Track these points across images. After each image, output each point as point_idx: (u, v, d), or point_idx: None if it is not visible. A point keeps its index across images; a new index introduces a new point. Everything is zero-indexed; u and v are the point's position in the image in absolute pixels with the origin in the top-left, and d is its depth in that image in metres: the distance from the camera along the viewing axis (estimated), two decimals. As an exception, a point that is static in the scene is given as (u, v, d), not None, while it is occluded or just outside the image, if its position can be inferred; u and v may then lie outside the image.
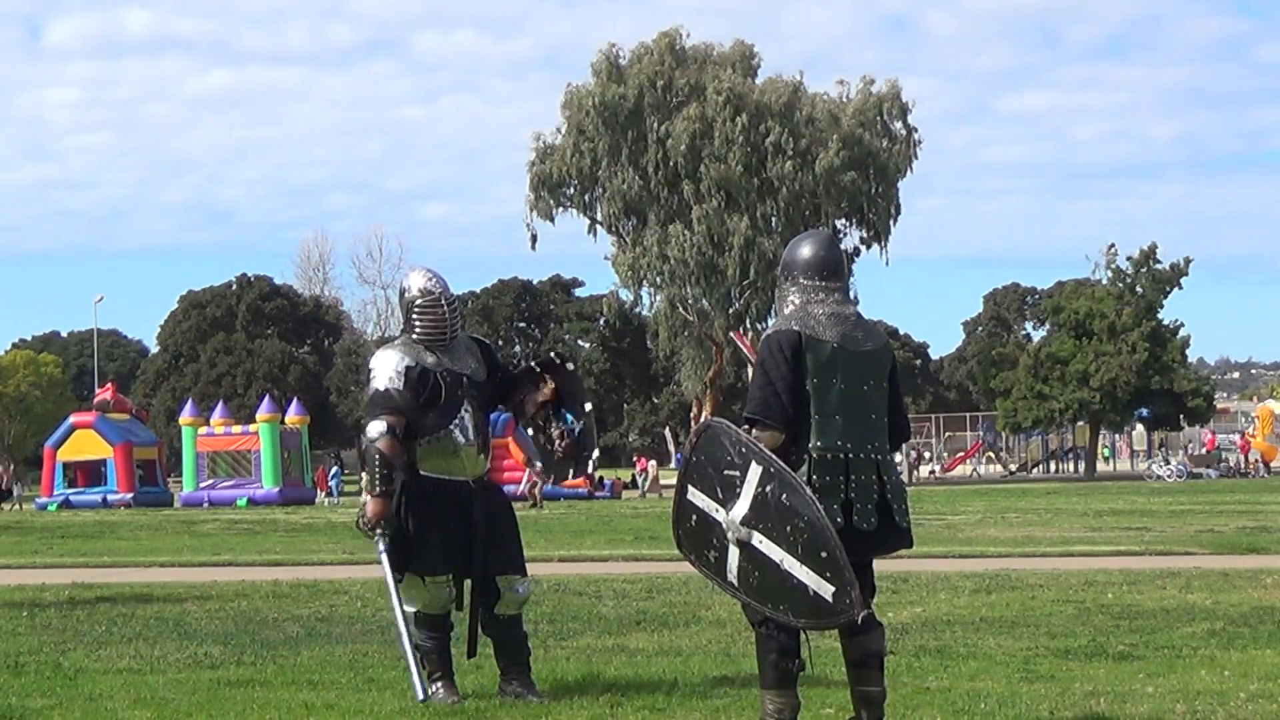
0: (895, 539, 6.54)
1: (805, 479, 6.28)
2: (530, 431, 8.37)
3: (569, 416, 8.13)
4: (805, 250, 6.67)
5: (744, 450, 6.29)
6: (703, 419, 6.60)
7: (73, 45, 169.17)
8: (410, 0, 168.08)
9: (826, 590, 6.06)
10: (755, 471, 6.23)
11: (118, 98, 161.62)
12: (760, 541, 6.22)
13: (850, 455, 6.38)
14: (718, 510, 6.36)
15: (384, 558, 7.71)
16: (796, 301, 6.59)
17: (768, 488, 6.20)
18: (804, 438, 6.37)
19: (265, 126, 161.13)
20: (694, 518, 6.47)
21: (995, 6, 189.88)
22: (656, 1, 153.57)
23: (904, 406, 6.76)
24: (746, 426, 6.41)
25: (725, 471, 6.34)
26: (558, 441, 8.09)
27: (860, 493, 6.36)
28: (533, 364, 8.27)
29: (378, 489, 7.68)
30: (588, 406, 8.22)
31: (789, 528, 6.14)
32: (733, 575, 6.35)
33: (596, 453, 8.24)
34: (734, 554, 6.31)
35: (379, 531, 7.69)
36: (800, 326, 6.46)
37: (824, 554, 6.06)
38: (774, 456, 6.23)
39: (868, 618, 6.37)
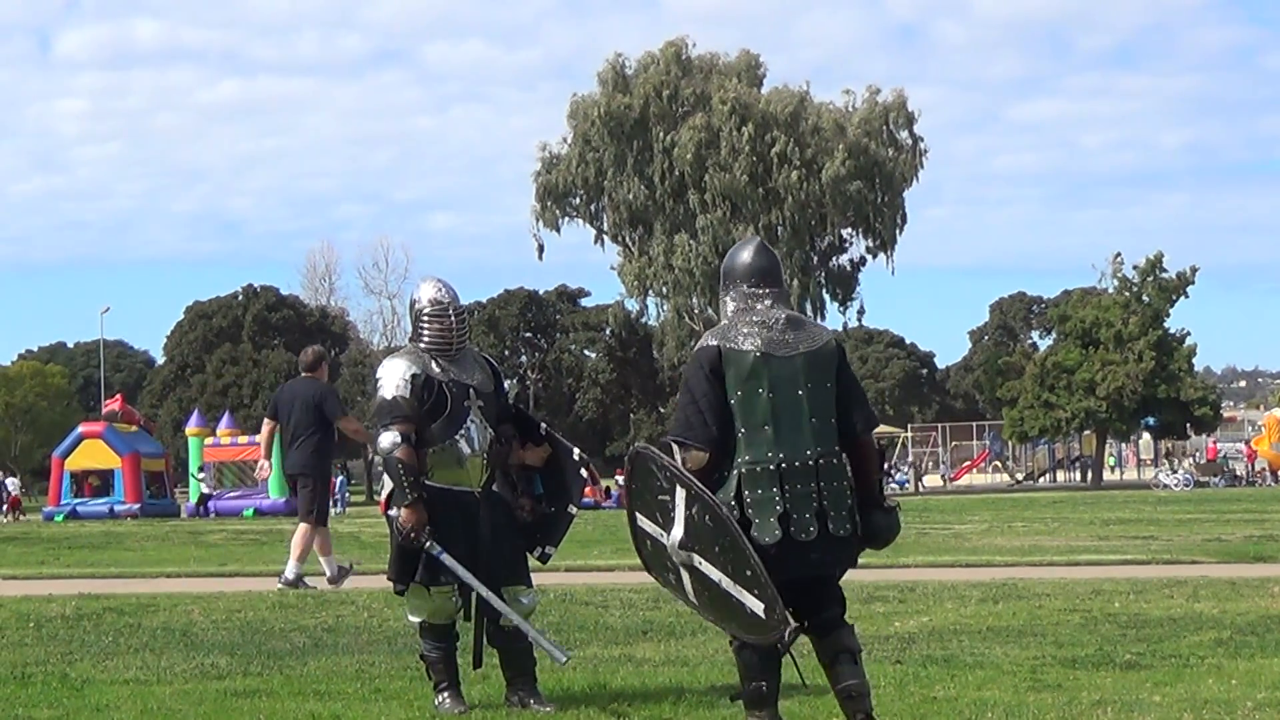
0: (835, 553, 6.37)
1: (735, 494, 6.23)
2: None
3: (540, 488, 8.11)
4: (738, 258, 6.68)
5: (669, 474, 6.28)
6: (632, 447, 6.58)
7: (83, 56, 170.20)
8: (421, 10, 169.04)
9: (758, 607, 6.05)
10: (681, 495, 6.22)
11: (127, 108, 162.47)
12: (700, 563, 6.22)
13: (784, 465, 6.27)
14: (662, 535, 6.36)
15: (444, 557, 7.67)
16: (730, 310, 6.59)
17: (693, 509, 6.18)
18: (733, 453, 6.31)
19: (275, 137, 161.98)
20: (649, 542, 6.49)
21: (1005, 15, 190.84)
22: (668, 11, 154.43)
23: (860, 398, 6.58)
24: (674, 447, 6.36)
25: (659, 497, 6.34)
26: (526, 508, 8.07)
27: (796, 503, 6.26)
28: (544, 427, 8.23)
29: (408, 497, 7.66)
30: (572, 510, 8.18)
31: (717, 548, 6.14)
32: (690, 594, 6.36)
33: (552, 549, 8.19)
34: (685, 575, 6.32)
35: (424, 537, 7.67)
36: (720, 340, 6.41)
37: (748, 572, 6.05)
38: (693, 478, 6.19)
39: (834, 620, 6.36)
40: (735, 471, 6.29)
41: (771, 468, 6.27)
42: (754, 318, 6.47)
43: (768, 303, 6.54)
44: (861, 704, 6.33)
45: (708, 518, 6.13)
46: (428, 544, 7.68)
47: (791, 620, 6.08)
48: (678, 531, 6.25)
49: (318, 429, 15.08)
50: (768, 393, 6.32)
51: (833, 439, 6.42)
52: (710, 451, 6.30)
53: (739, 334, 6.42)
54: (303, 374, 15.87)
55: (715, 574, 6.16)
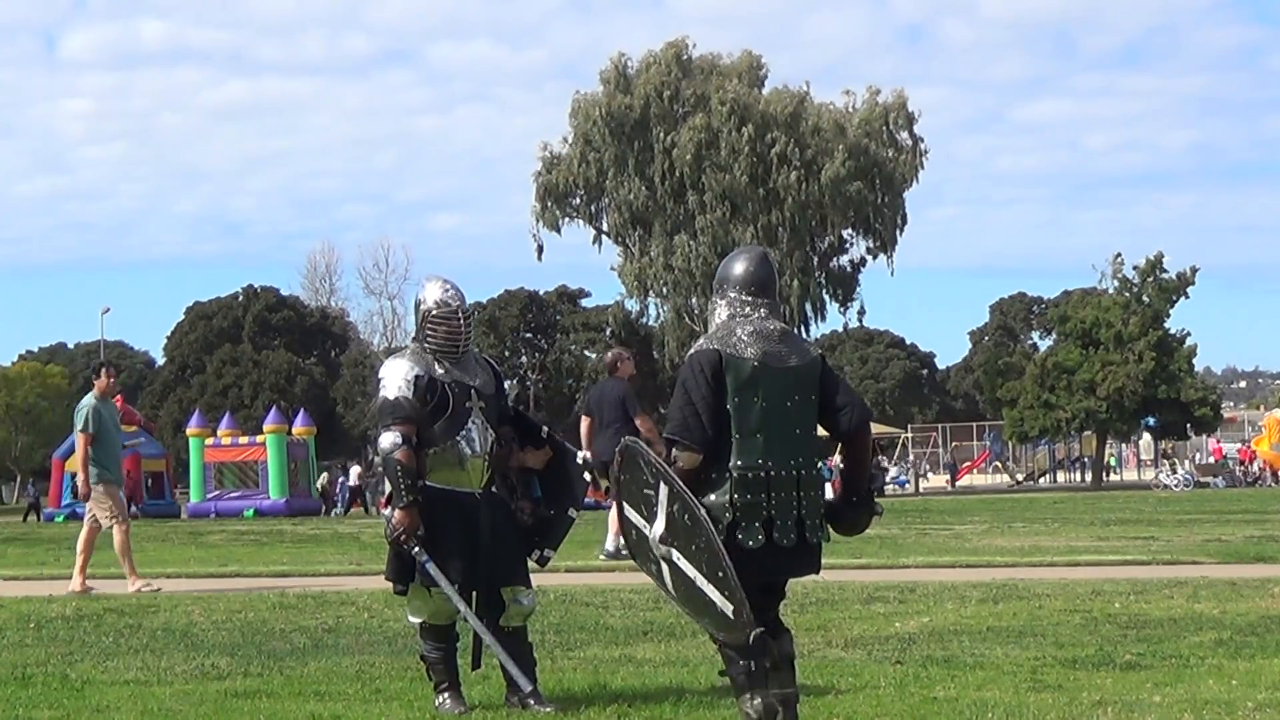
0: (806, 559, 6.61)
1: (727, 498, 6.39)
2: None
3: (539, 492, 8.13)
4: (736, 266, 6.77)
5: (656, 470, 6.42)
6: (621, 441, 6.72)
7: (88, 56, 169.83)
8: (427, 10, 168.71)
9: (728, 608, 6.22)
10: (664, 491, 6.38)
11: (132, 109, 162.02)
12: (679, 559, 6.37)
13: (772, 473, 6.46)
14: (646, 526, 6.51)
15: (429, 565, 7.69)
16: (723, 316, 6.71)
17: (674, 507, 6.34)
18: (725, 457, 6.46)
19: (279, 137, 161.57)
20: (634, 531, 6.64)
21: (1011, 16, 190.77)
22: (675, 12, 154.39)
23: (848, 401, 6.68)
24: (668, 446, 6.51)
25: (645, 490, 6.49)
26: (527, 511, 8.08)
27: (780, 510, 6.46)
28: (545, 430, 8.25)
29: (404, 499, 7.66)
30: (572, 513, 8.22)
31: (694, 547, 6.29)
32: (670, 586, 6.50)
33: (551, 552, 8.22)
34: (665, 568, 6.47)
35: (413, 542, 7.68)
36: (721, 345, 6.54)
37: (720, 573, 6.20)
38: (675, 477, 6.34)
39: (776, 624, 6.52)
40: (728, 475, 6.45)
41: (761, 474, 6.45)
42: (750, 326, 6.60)
43: (762, 312, 6.67)
44: (792, 710, 6.48)
45: (687, 516, 6.28)
46: (415, 550, 7.68)
47: (753, 625, 6.22)
48: (659, 525, 6.40)
49: (623, 423, 17.19)
50: (762, 402, 6.49)
51: (814, 450, 6.62)
52: (704, 453, 6.45)
53: (740, 341, 6.54)
54: (608, 375, 18.73)
55: (691, 570, 6.32)
